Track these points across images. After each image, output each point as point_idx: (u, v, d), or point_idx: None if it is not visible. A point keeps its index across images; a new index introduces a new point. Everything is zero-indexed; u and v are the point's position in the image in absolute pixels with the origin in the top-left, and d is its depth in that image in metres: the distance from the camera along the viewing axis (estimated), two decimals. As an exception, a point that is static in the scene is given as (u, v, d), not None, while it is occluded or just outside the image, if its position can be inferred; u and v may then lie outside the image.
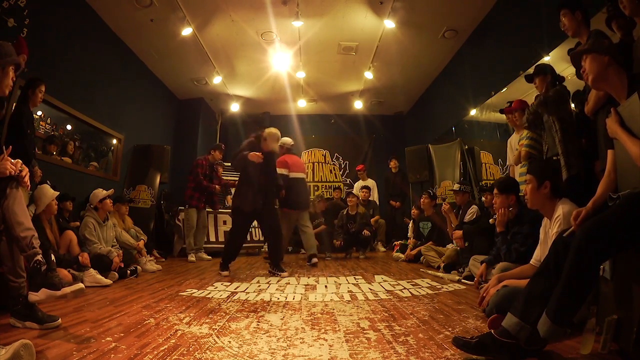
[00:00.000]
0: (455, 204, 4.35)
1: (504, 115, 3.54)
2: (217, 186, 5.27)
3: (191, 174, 5.26)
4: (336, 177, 8.47)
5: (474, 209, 4.01)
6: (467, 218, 3.94)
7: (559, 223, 1.83)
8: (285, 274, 3.59)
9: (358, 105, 7.84)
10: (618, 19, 2.16)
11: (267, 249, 4.39)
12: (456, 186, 4.28)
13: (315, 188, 8.37)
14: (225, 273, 3.65)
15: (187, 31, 5.06)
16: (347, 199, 5.72)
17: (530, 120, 2.67)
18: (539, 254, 2.05)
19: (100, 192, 3.63)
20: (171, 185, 6.58)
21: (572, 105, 2.63)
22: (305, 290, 2.84)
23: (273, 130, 3.87)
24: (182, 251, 5.59)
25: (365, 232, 5.34)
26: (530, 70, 2.83)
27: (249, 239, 5.94)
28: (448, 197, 5.44)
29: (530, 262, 2.09)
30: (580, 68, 1.64)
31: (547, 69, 2.67)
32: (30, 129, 2.87)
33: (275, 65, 6.23)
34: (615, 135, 1.48)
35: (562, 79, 2.65)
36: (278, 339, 1.62)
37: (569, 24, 2.26)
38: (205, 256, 5.16)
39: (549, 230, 1.93)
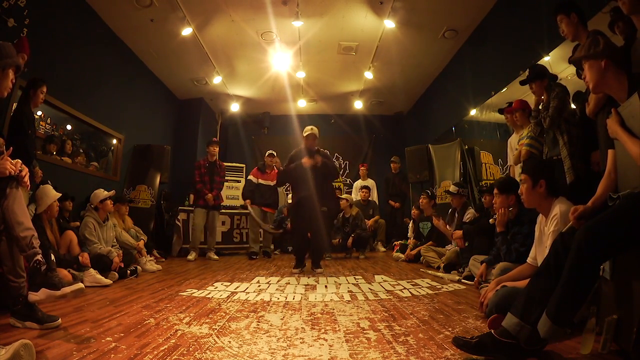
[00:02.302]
0: (450, 206, 4.35)
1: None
2: (209, 194, 5.14)
3: None
4: (336, 177, 8.46)
5: (470, 212, 4.02)
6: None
7: (556, 222, 1.84)
8: (320, 270, 3.77)
9: (358, 105, 7.84)
10: (619, 22, 2.15)
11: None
12: (453, 188, 4.25)
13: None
14: (296, 271, 3.82)
15: (187, 31, 5.05)
16: (340, 203, 5.72)
17: (538, 132, 2.68)
18: (534, 252, 2.06)
19: (102, 193, 3.63)
20: (171, 185, 6.58)
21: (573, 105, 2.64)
22: (305, 290, 2.84)
23: (306, 128, 4.05)
24: (182, 251, 5.60)
25: (355, 233, 5.43)
26: (525, 74, 2.83)
27: (237, 239, 6.06)
28: (447, 198, 5.42)
29: (527, 261, 2.10)
30: (582, 68, 1.64)
31: (544, 73, 2.67)
32: (31, 129, 2.87)
33: (275, 65, 6.22)
34: (615, 136, 1.48)
35: (556, 77, 2.65)
36: (278, 339, 1.62)
37: (567, 29, 2.26)
38: (213, 256, 5.17)
39: (544, 229, 1.94)
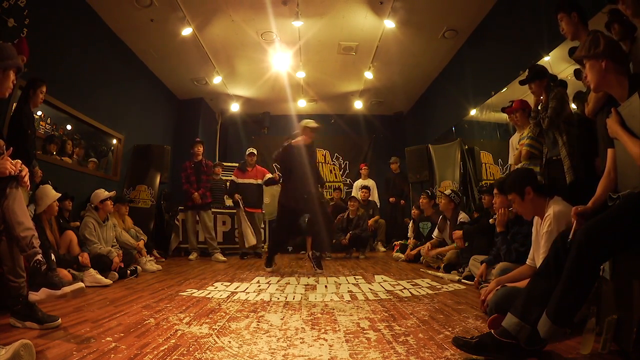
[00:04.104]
0: (437, 206, 4.36)
1: (504, 115, 3.54)
2: (195, 193, 5.11)
3: None
4: (336, 177, 8.47)
5: (462, 215, 4.05)
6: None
7: (549, 222, 1.84)
8: (320, 270, 3.74)
9: (358, 105, 7.83)
10: (614, 24, 2.15)
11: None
12: (448, 191, 4.25)
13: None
14: (269, 269, 3.84)
15: (187, 31, 5.05)
16: (349, 203, 5.74)
17: (538, 132, 2.69)
18: (532, 254, 2.06)
19: (102, 193, 3.63)
20: (171, 185, 6.58)
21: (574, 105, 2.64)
22: (305, 290, 2.84)
23: (304, 122, 4.05)
24: (179, 249, 5.63)
25: (353, 233, 5.46)
26: (525, 74, 2.82)
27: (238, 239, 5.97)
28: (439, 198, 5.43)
29: (527, 262, 2.11)
30: (584, 66, 1.64)
31: (543, 73, 2.67)
32: (31, 129, 2.87)
33: (275, 65, 6.22)
34: (615, 135, 1.48)
35: (565, 83, 2.65)
36: (278, 339, 1.62)
37: (567, 28, 2.26)
38: (220, 257, 5.02)
39: (540, 230, 1.94)
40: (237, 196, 5.35)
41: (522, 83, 2.82)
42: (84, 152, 4.97)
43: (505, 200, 2.62)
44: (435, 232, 4.33)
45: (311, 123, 4.01)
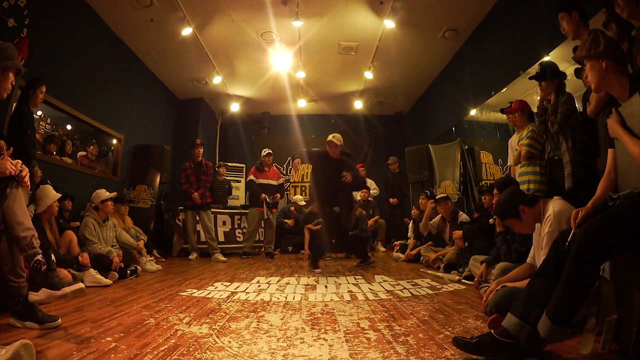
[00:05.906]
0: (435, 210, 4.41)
1: (504, 115, 3.53)
2: (195, 193, 5.12)
3: None
4: (336, 177, 8.45)
5: (463, 216, 4.06)
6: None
7: (550, 222, 1.84)
8: (318, 270, 3.85)
9: (358, 105, 7.83)
10: (611, 24, 2.15)
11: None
12: (453, 190, 4.28)
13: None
14: (317, 270, 3.87)
15: (187, 31, 5.05)
16: None
17: (543, 130, 2.68)
18: (533, 252, 2.07)
19: (103, 193, 3.63)
20: (171, 185, 6.58)
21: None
22: (305, 290, 2.84)
23: (330, 137, 4.08)
24: (182, 251, 5.59)
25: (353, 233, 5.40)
26: (533, 69, 2.78)
27: (240, 239, 5.97)
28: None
29: (527, 260, 2.11)
30: (584, 67, 1.64)
31: (556, 73, 2.62)
32: (31, 129, 2.87)
33: (275, 65, 6.22)
34: (616, 135, 1.48)
35: (565, 76, 2.63)
36: (278, 339, 1.62)
37: (568, 27, 2.26)
38: (220, 257, 5.00)
39: (541, 230, 1.94)
40: (263, 196, 5.36)
41: (538, 79, 2.75)
42: (97, 150, 5.00)
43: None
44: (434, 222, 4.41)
45: (331, 137, 4.02)
